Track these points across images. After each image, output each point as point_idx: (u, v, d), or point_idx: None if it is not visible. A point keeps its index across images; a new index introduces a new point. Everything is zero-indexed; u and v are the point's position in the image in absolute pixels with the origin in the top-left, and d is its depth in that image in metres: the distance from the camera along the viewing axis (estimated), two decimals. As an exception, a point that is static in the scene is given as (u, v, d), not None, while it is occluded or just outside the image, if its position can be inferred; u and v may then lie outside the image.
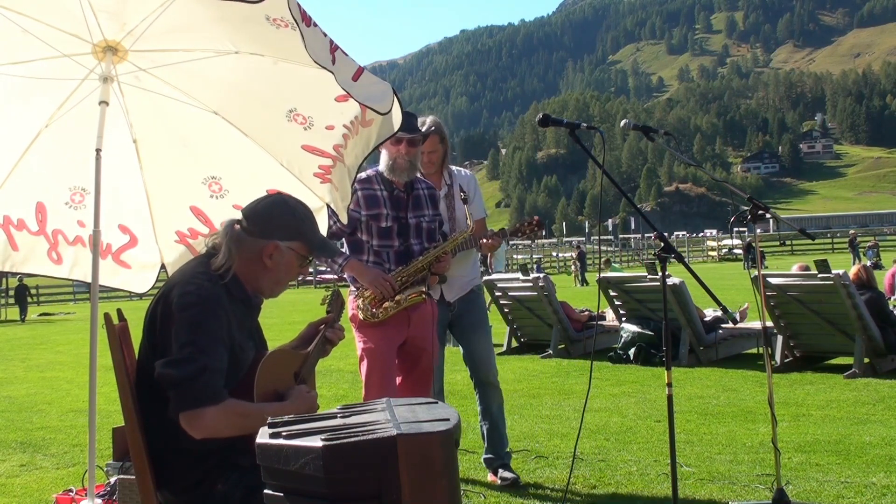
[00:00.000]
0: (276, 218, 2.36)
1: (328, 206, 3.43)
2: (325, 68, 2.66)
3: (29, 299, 26.97)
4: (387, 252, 3.78)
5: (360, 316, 3.67)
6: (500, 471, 4.29)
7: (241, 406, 2.18)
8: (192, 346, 2.15)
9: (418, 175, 3.95)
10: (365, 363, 3.75)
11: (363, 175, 3.80)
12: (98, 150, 3.20)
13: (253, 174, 3.49)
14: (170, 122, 3.46)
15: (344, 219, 3.49)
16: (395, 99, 3.06)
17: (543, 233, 4.29)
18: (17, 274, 5.13)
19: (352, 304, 3.77)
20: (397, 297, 3.67)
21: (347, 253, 3.80)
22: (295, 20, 2.53)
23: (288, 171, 3.42)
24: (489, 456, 4.36)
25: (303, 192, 3.40)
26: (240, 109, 3.38)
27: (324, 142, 3.28)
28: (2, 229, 3.53)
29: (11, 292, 28.69)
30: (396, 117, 3.16)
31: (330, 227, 3.62)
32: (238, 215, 2.42)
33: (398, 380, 3.87)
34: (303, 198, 3.45)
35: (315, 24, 2.62)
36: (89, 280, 3.42)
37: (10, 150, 3.45)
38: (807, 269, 8.24)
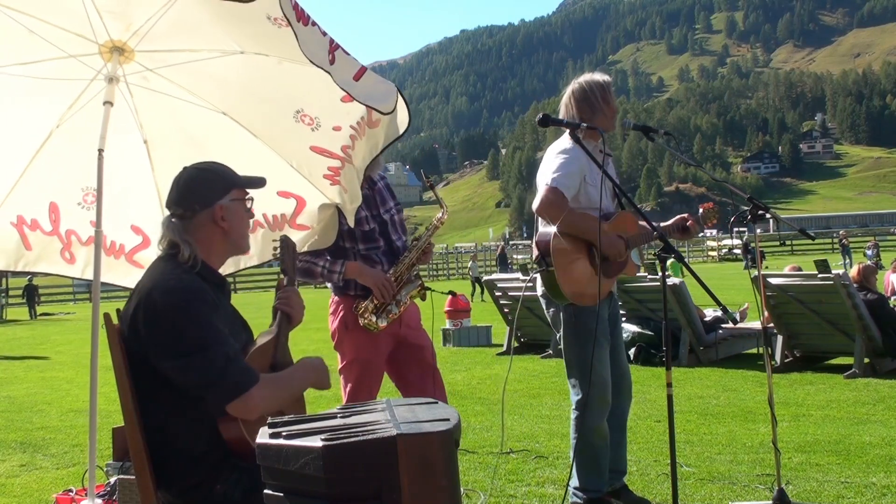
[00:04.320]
0: (200, 186, 2.37)
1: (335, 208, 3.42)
2: (321, 68, 2.64)
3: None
4: (375, 254, 3.62)
5: (362, 323, 3.52)
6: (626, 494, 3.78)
7: (273, 377, 2.24)
8: (203, 341, 2.15)
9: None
10: (353, 373, 3.62)
11: None
12: (100, 151, 3.20)
13: (263, 175, 3.46)
14: (180, 123, 3.45)
15: (351, 221, 3.39)
16: (401, 99, 3.04)
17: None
18: (20, 274, 5.11)
19: (338, 314, 3.61)
20: (398, 299, 3.58)
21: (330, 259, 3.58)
22: (287, 18, 2.51)
23: (298, 172, 3.39)
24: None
25: (314, 195, 3.39)
26: (247, 110, 3.36)
27: (331, 143, 3.25)
28: (15, 229, 3.52)
29: (12, 292, 29.01)
30: (403, 117, 3.13)
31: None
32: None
33: (404, 379, 3.75)
34: (314, 200, 3.43)
35: (314, 23, 2.61)
36: (102, 280, 3.43)
37: (22, 151, 3.45)
38: (798, 269, 8.25)
